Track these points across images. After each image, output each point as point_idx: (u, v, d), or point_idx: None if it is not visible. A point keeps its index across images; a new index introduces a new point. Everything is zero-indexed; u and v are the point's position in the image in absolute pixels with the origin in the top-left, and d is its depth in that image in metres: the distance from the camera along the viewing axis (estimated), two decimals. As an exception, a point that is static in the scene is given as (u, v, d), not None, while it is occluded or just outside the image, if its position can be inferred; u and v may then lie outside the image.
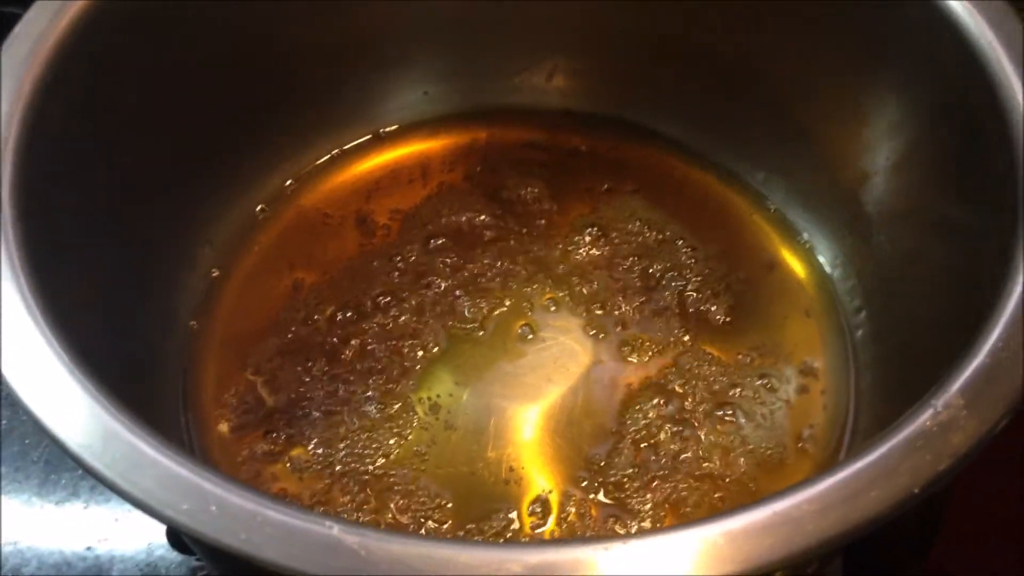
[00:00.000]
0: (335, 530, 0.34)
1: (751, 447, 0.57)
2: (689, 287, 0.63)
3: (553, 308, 0.62)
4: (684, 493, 0.55)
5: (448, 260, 0.64)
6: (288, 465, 0.56)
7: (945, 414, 0.36)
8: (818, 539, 0.34)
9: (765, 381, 0.59)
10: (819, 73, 0.60)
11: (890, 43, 0.54)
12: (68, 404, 0.38)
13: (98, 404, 0.38)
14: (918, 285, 0.56)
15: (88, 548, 0.60)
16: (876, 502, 0.34)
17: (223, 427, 0.58)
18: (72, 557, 0.60)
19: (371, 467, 0.56)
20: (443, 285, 0.63)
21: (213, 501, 0.35)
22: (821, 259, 0.65)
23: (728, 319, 0.62)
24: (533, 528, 0.54)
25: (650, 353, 0.60)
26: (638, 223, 0.66)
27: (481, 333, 0.61)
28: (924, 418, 0.36)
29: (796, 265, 0.65)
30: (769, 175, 0.67)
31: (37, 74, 0.47)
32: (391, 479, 0.56)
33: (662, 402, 0.58)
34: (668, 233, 0.65)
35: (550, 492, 0.55)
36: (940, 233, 0.55)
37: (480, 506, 0.55)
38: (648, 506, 0.55)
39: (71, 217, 0.50)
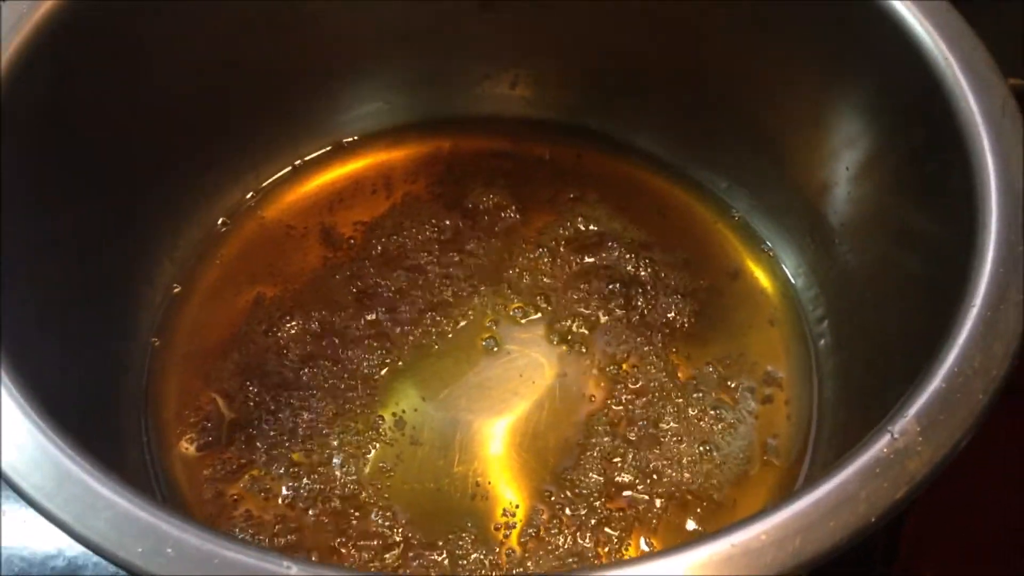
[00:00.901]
0: (293, 571, 0.34)
1: (717, 458, 0.57)
2: (653, 296, 0.63)
3: (518, 320, 0.62)
4: (650, 506, 0.55)
5: (412, 272, 0.64)
6: (251, 484, 0.56)
7: (901, 441, 0.36)
8: (777, 570, 0.34)
9: (730, 391, 0.60)
10: (780, 84, 0.60)
11: (850, 57, 0.54)
12: (19, 443, 0.37)
13: (51, 443, 0.37)
14: (880, 294, 0.57)
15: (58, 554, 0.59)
16: (834, 531, 0.35)
17: (185, 446, 0.58)
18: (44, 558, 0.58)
19: (337, 484, 0.56)
20: (408, 298, 0.63)
21: (169, 543, 0.34)
22: (785, 268, 0.65)
23: (692, 328, 0.62)
24: (500, 544, 0.54)
25: (615, 364, 0.60)
26: (602, 232, 0.66)
27: (446, 346, 0.61)
28: (880, 445, 0.36)
29: (760, 274, 0.65)
30: (732, 184, 0.67)
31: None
32: (357, 497, 0.55)
33: (627, 414, 0.58)
34: (632, 242, 0.65)
35: (517, 507, 0.55)
36: (901, 243, 0.55)
37: (447, 522, 0.55)
38: (615, 520, 0.55)
39: (24, 234, 0.49)
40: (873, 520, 0.35)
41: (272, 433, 0.57)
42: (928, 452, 0.36)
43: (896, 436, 0.36)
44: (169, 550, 0.34)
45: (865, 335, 0.57)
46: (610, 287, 0.63)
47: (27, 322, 0.46)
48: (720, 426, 0.58)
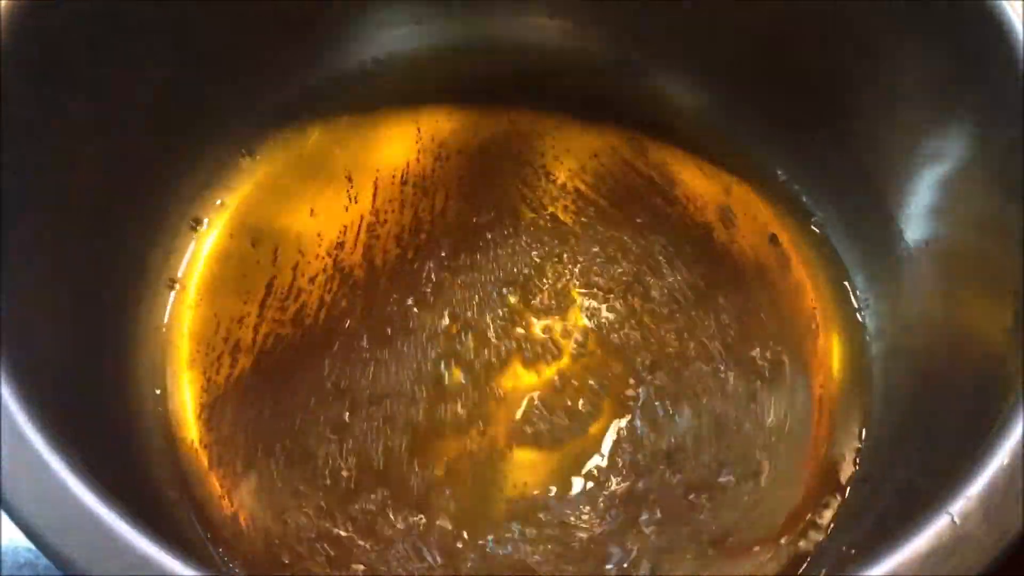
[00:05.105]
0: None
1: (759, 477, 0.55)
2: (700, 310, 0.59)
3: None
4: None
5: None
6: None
7: (963, 526, 0.34)
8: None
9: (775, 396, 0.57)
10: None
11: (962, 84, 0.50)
12: (30, 475, 0.35)
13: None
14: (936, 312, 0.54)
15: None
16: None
17: (200, 449, 0.55)
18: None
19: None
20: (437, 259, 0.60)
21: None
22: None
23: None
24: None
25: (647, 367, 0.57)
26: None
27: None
28: (939, 529, 0.34)
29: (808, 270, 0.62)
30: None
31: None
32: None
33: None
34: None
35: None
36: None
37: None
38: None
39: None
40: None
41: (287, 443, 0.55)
42: (992, 539, 0.34)
43: (957, 521, 0.34)
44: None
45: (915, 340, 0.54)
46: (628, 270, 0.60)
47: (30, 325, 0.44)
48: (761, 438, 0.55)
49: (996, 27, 0.47)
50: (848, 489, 0.53)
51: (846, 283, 0.60)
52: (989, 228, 0.50)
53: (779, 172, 0.63)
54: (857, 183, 0.59)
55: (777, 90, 0.61)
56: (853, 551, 0.46)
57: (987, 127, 0.49)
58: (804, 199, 0.63)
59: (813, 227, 0.62)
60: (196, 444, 0.55)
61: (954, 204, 0.53)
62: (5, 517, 0.56)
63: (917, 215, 0.55)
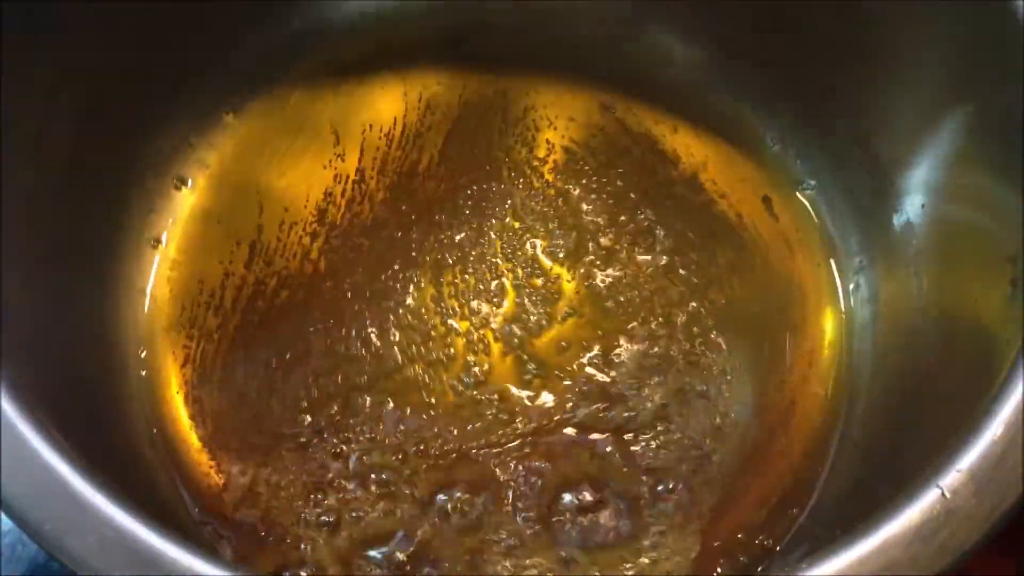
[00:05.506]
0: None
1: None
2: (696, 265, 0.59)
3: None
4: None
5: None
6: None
7: (953, 500, 0.33)
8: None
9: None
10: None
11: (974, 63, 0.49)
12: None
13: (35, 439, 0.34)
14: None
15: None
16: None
17: (183, 411, 0.54)
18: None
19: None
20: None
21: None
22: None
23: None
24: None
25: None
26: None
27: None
28: (929, 503, 0.34)
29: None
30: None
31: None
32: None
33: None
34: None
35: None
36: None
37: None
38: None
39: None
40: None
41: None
42: (983, 513, 0.33)
43: (947, 495, 0.33)
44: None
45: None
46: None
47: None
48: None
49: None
50: (836, 458, 0.53)
51: (839, 248, 0.59)
52: (988, 201, 0.48)
53: (776, 137, 0.62)
54: (855, 150, 0.58)
55: (779, 53, 0.60)
56: (841, 522, 0.46)
57: (991, 98, 0.48)
58: (799, 165, 0.61)
59: (804, 194, 0.61)
60: (180, 406, 0.54)
61: (954, 175, 0.52)
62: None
63: (915, 184, 0.54)
